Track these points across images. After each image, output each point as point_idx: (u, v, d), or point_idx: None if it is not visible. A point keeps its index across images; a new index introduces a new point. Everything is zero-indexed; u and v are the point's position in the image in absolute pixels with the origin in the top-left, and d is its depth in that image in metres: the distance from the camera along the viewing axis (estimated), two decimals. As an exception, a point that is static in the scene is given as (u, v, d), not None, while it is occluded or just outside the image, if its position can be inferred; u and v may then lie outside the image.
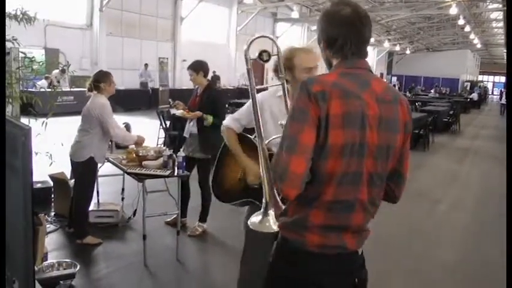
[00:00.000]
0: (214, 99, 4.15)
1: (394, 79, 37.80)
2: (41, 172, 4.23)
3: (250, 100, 1.75)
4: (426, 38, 35.31)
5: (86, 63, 14.66)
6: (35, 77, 5.44)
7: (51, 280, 2.99)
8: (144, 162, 3.68)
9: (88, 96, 3.92)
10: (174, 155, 3.73)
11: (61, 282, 3.02)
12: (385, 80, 24.25)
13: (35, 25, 4.66)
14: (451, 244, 4.73)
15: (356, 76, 1.40)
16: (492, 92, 47.29)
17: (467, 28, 26.46)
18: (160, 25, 18.26)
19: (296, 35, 26.14)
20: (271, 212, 1.59)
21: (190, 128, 4.21)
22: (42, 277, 2.89)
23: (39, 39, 13.26)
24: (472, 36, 30.35)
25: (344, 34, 1.41)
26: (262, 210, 1.62)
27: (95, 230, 4.08)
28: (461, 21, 23.46)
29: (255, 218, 1.63)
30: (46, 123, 4.18)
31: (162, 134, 7.90)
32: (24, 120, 3.89)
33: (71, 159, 3.90)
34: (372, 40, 19.02)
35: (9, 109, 4.40)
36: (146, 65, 16.48)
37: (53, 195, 4.66)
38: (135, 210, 4.32)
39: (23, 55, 4.61)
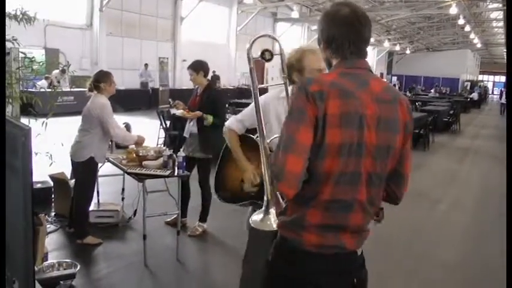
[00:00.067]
0: (214, 99, 4.16)
1: (394, 79, 37.79)
2: (41, 172, 4.24)
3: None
4: (426, 38, 35.31)
5: (86, 63, 14.66)
6: (35, 77, 5.44)
7: (52, 280, 2.99)
8: (144, 162, 3.68)
9: (88, 96, 3.93)
10: (174, 155, 3.73)
11: (61, 282, 3.02)
12: (385, 80, 24.29)
13: (35, 25, 4.67)
14: (451, 244, 4.72)
15: (355, 76, 1.40)
16: (492, 92, 47.24)
17: (467, 28, 26.45)
18: (160, 25, 18.26)
19: (296, 35, 26.15)
20: (273, 211, 1.58)
21: (191, 127, 4.22)
22: (42, 277, 2.89)
23: (39, 39, 13.26)
24: (472, 35, 30.35)
25: (343, 34, 1.42)
26: (263, 208, 1.62)
27: (95, 230, 4.08)
28: (461, 21, 23.45)
29: (257, 217, 1.63)
30: (46, 124, 4.19)
31: (162, 134, 7.90)
32: (24, 121, 3.89)
33: (71, 159, 3.91)
34: (372, 40, 18.96)
35: (9, 109, 4.40)
36: (146, 65, 16.48)
37: (53, 196, 4.67)
38: (135, 210, 4.31)
39: (23, 55, 4.62)
